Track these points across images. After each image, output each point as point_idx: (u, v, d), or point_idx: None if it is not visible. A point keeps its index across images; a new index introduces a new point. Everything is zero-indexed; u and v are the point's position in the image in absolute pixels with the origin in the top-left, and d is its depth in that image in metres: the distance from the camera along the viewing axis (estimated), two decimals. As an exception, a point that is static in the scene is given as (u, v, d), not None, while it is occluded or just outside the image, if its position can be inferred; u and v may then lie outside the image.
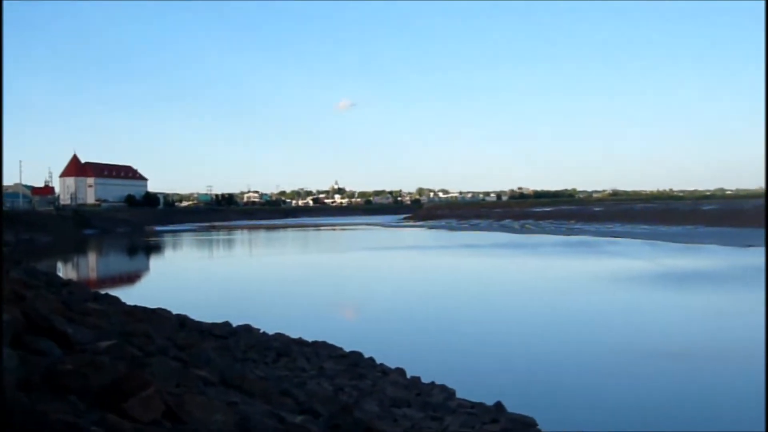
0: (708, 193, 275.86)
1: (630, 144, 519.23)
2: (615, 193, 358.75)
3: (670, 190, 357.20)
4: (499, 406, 16.72)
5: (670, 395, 19.20)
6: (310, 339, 24.88)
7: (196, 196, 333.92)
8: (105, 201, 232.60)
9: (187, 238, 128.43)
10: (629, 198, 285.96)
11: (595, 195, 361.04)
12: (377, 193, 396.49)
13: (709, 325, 30.40)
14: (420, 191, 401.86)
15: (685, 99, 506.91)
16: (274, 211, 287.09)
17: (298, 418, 9.75)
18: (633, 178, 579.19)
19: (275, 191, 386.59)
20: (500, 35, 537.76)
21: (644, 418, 17.13)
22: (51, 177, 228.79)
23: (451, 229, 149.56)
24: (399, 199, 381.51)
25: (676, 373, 21.85)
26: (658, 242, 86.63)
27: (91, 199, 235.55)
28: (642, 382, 20.71)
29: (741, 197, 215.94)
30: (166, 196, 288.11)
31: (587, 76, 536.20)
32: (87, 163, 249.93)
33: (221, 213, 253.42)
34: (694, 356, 24.23)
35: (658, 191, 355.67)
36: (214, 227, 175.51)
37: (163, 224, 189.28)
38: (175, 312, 26.84)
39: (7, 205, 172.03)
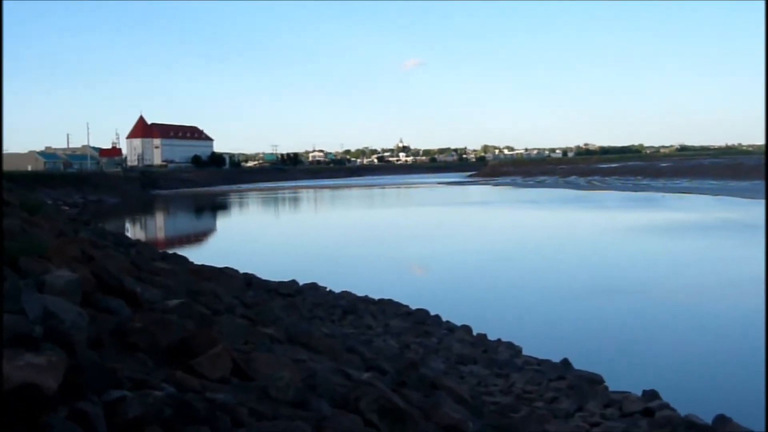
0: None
1: (697, 98, 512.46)
2: (683, 148, 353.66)
3: (739, 144, 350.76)
4: (565, 362, 16.65)
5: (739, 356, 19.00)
6: (376, 297, 24.94)
7: (261, 155, 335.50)
8: (171, 162, 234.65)
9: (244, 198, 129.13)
10: (697, 153, 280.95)
11: (662, 150, 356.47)
12: (442, 151, 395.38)
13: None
14: (485, 148, 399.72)
15: (753, 49, 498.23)
16: (339, 170, 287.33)
17: (365, 375, 9.78)
18: (701, 132, 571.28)
19: (340, 150, 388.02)
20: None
21: (712, 373, 16.99)
22: (118, 139, 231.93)
23: (517, 186, 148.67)
24: (464, 156, 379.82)
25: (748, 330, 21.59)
26: (726, 197, 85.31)
27: (157, 160, 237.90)
28: (708, 337, 20.52)
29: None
30: (231, 156, 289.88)
31: (654, 29, 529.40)
32: (153, 125, 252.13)
33: (287, 172, 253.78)
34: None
35: (726, 146, 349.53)
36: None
37: (229, 184, 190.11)
38: (242, 271, 27.07)
39: (76, 166, 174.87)
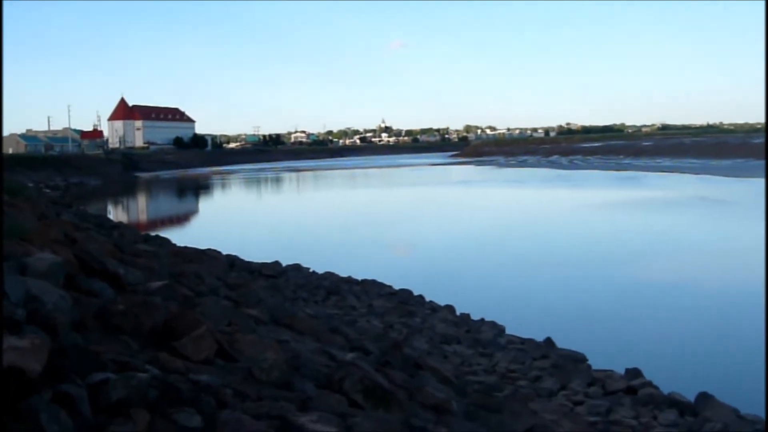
0: (759, 126, 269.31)
1: (679, 77, 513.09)
2: (664, 127, 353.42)
3: (721, 123, 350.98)
4: (549, 341, 16.71)
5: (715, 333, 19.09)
6: (359, 277, 24.94)
7: (243, 137, 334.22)
8: (153, 143, 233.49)
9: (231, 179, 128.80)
10: (678, 132, 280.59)
11: (644, 129, 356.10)
12: (424, 131, 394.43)
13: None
14: (467, 128, 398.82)
15: (735, 28, 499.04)
16: (321, 151, 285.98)
17: (349, 356, 9.79)
18: (682, 111, 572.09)
19: (322, 131, 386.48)
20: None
21: (694, 351, 17.07)
22: (99, 121, 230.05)
23: (499, 166, 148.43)
24: (446, 136, 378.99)
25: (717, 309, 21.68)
26: (706, 176, 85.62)
27: (139, 142, 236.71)
28: (691, 315, 20.60)
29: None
30: (213, 137, 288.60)
31: (636, 8, 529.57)
32: (135, 106, 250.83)
33: (269, 153, 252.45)
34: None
35: (708, 124, 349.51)
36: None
37: (211, 165, 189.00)
38: (224, 252, 27.04)
39: (57, 149, 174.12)
